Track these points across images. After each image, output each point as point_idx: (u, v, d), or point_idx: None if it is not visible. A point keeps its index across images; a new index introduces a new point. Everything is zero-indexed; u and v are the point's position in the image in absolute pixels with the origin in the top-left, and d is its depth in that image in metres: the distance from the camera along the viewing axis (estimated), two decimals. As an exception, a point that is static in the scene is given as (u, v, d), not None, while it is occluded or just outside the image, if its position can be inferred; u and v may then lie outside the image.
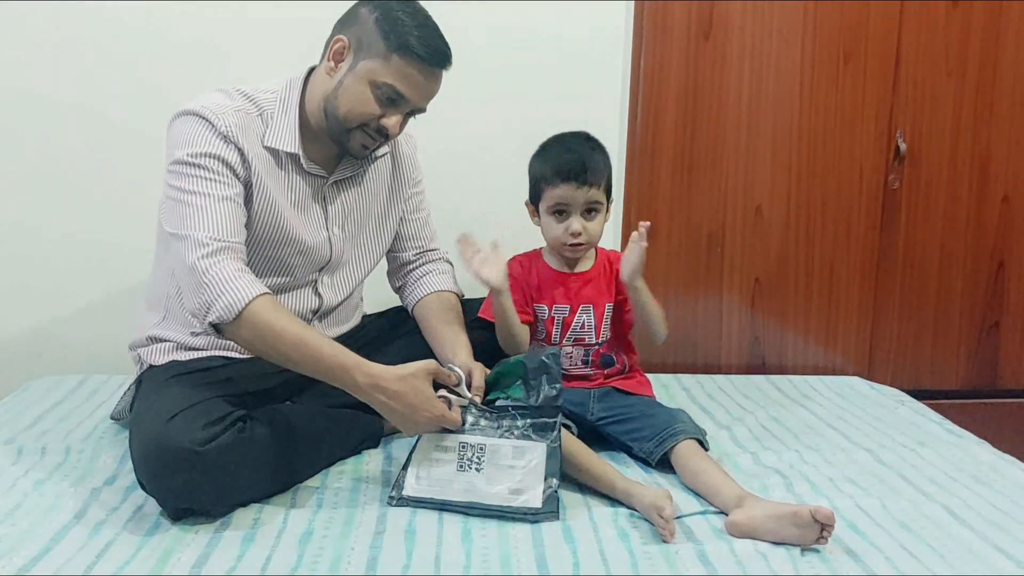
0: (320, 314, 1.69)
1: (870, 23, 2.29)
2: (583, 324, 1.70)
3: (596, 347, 1.71)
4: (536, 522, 1.36)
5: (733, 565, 1.24)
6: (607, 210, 1.68)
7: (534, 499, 1.37)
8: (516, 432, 1.43)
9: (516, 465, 1.40)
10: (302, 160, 1.57)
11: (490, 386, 1.51)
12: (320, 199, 1.62)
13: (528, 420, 1.44)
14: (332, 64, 1.51)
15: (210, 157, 1.45)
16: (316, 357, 1.38)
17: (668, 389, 2.10)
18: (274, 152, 1.55)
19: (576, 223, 1.64)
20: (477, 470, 1.40)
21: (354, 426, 1.61)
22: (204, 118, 1.47)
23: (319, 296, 1.67)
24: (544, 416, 1.44)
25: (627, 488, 1.41)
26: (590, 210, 1.64)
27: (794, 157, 2.34)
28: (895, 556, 1.27)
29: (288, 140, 1.54)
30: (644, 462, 1.59)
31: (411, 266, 1.80)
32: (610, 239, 2.26)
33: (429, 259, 1.81)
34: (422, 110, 1.55)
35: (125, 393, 1.68)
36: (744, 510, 1.33)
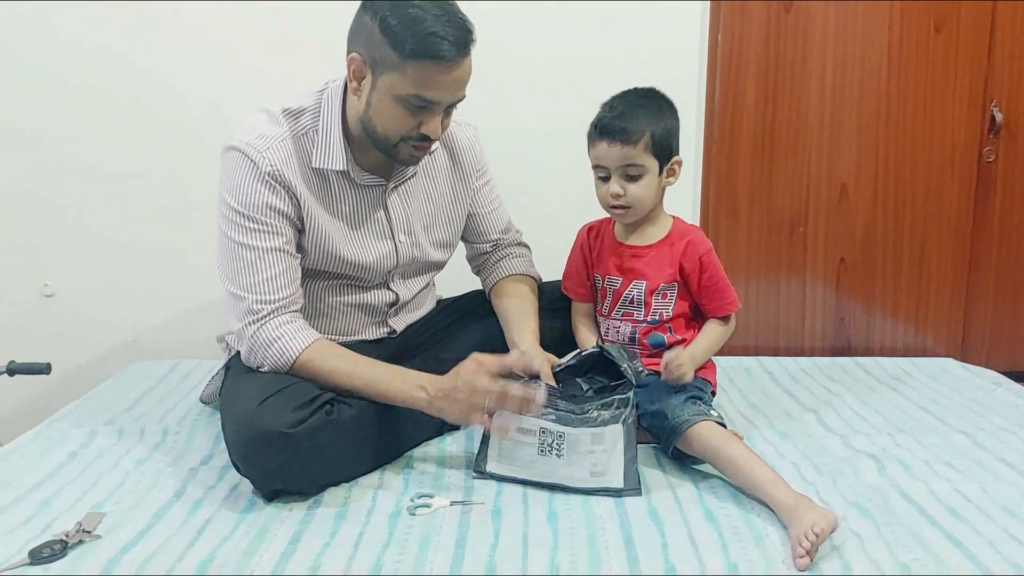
0: (397, 308, 1.71)
1: (962, -12, 2.19)
2: (632, 299, 1.60)
3: (644, 324, 1.62)
4: (619, 496, 1.38)
5: (829, 549, 1.21)
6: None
7: (615, 479, 1.39)
8: (592, 413, 1.42)
9: (596, 450, 1.40)
10: (354, 176, 1.55)
11: (565, 373, 1.52)
12: (383, 207, 1.60)
13: (600, 399, 1.44)
14: (356, 84, 1.45)
15: (257, 207, 1.46)
16: (374, 392, 1.45)
17: (751, 373, 2.06)
18: (324, 172, 1.53)
19: (615, 185, 1.54)
20: (558, 456, 1.41)
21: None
22: (249, 157, 1.46)
23: (394, 292, 1.68)
24: (616, 393, 1.44)
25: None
26: (630, 174, 1.53)
27: (881, 132, 2.26)
28: (1000, 543, 1.22)
29: (336, 158, 1.51)
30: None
31: (488, 255, 1.81)
32: (688, 221, 2.21)
33: (504, 243, 1.81)
34: (460, 99, 1.47)
35: (214, 377, 1.74)
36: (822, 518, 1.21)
